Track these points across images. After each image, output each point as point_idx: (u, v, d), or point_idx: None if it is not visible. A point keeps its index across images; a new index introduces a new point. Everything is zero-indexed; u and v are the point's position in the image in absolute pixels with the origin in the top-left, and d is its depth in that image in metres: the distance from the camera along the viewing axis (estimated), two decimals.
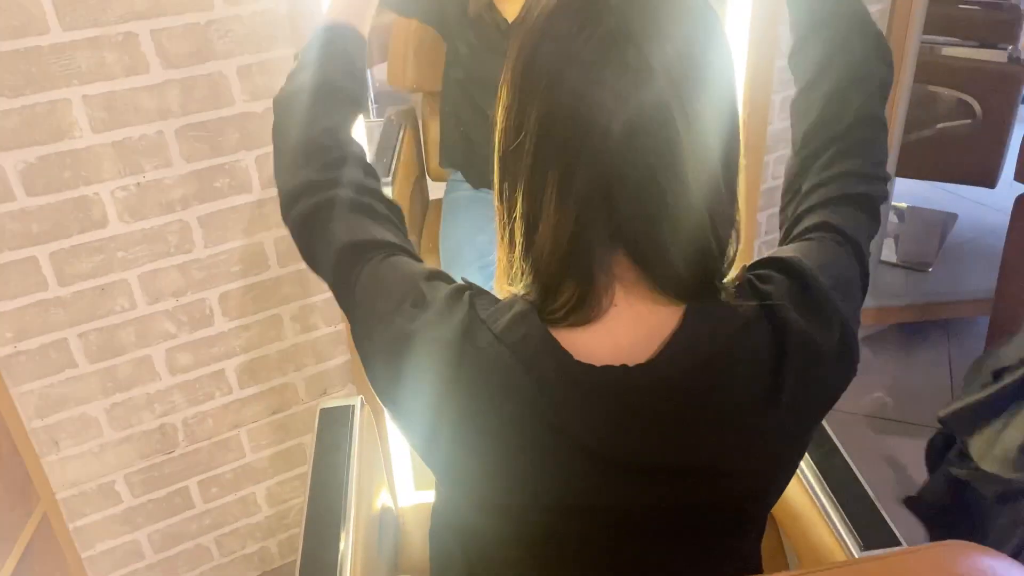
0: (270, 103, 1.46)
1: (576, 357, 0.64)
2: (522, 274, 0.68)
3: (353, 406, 1.26)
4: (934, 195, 3.33)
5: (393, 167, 1.83)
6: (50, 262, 1.42)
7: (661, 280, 0.64)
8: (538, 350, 0.64)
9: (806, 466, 1.09)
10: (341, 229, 0.78)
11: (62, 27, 1.29)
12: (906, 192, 3.18)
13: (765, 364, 0.65)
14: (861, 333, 2.49)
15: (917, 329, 2.62)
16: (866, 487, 1.04)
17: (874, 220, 0.78)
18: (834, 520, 1.01)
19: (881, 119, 0.82)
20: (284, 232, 1.58)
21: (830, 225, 0.75)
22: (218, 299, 1.58)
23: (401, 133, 2.00)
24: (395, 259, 0.76)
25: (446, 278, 0.74)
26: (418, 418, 0.69)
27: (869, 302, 2.46)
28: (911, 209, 3.18)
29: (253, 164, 1.51)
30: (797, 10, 0.90)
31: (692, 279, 0.65)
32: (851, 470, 1.07)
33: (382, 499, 1.36)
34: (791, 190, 0.82)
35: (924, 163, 2.65)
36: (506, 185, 0.67)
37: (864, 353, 2.55)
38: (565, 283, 0.64)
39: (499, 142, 0.67)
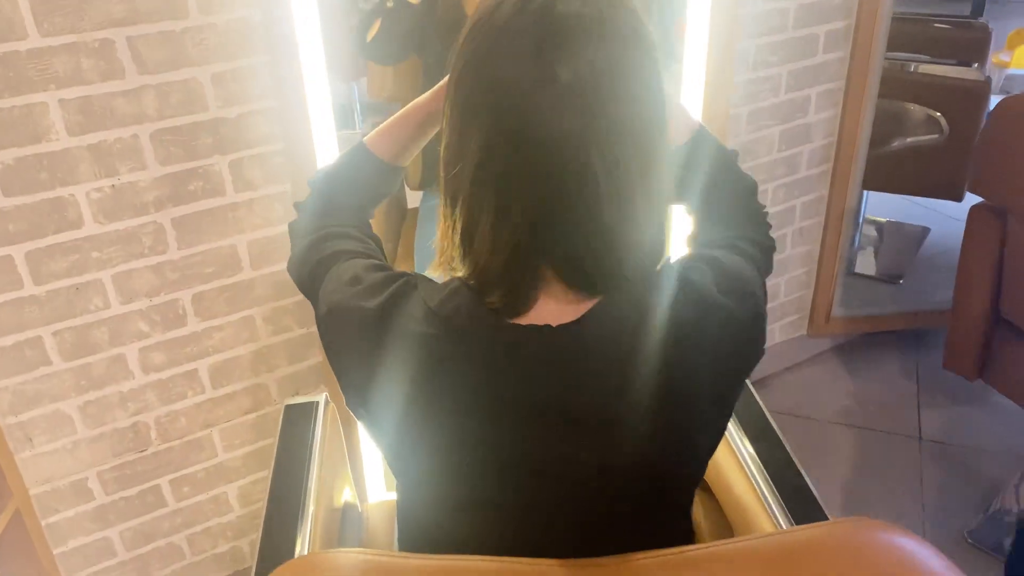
0: (244, 107, 1.52)
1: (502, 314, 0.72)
2: (462, 265, 0.75)
3: (317, 403, 1.29)
4: (910, 209, 3.39)
5: None
6: (26, 261, 1.45)
7: (586, 286, 0.72)
8: (471, 316, 0.72)
9: (749, 456, 1.13)
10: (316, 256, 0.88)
11: (40, 33, 1.33)
12: (881, 206, 3.24)
13: (684, 331, 0.72)
14: (831, 343, 2.55)
15: (887, 339, 2.67)
16: (806, 478, 1.08)
17: (769, 266, 0.92)
18: (769, 502, 1.05)
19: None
20: (258, 235, 1.62)
21: (739, 247, 0.86)
22: (191, 300, 1.62)
23: None
24: (353, 261, 0.84)
25: (389, 270, 0.80)
26: (354, 391, 0.77)
27: (840, 311, 2.51)
28: (886, 223, 3.25)
29: (227, 168, 1.55)
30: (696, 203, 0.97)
31: (610, 280, 0.72)
32: (789, 457, 1.11)
33: (346, 496, 1.39)
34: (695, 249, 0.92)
35: (895, 177, 2.71)
36: (448, 199, 0.74)
37: (833, 362, 2.60)
38: (498, 286, 0.72)
39: (443, 161, 0.74)
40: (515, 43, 0.67)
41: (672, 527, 0.83)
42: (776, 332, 2.50)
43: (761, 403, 1.23)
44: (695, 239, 0.95)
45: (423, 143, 1.01)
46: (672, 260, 0.79)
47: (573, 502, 0.75)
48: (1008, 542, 1.81)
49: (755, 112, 2.06)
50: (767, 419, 1.20)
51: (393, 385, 0.74)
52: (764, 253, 0.91)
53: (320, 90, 1.50)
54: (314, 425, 1.25)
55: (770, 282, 2.37)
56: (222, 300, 1.65)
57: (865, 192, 2.98)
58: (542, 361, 0.71)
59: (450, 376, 0.72)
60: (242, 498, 1.85)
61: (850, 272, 2.88)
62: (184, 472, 1.75)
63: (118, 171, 1.47)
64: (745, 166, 2.09)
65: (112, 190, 1.47)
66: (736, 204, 0.94)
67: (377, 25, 1.79)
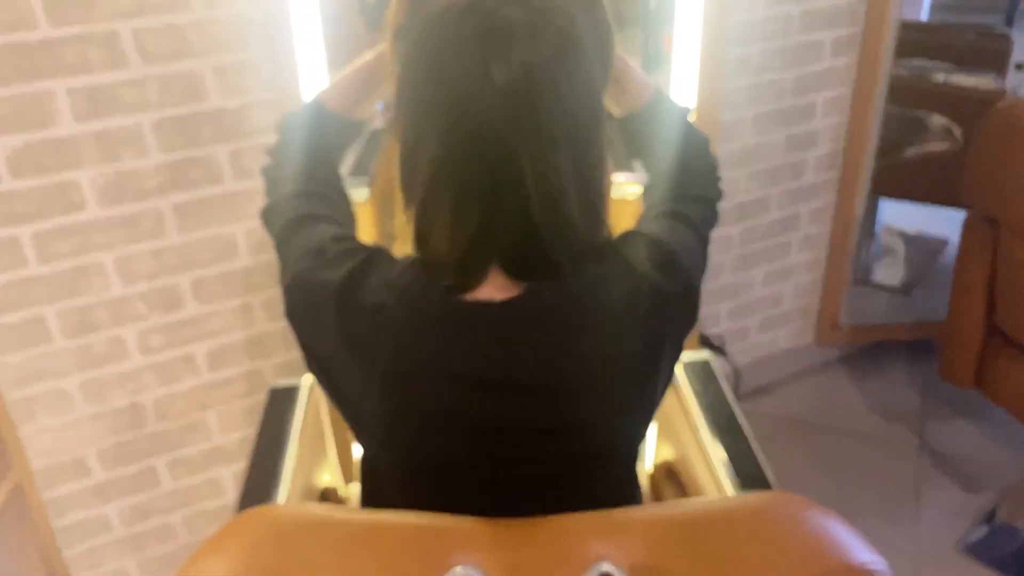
0: (245, 99, 1.56)
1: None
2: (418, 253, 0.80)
3: (299, 386, 1.33)
4: (932, 219, 3.34)
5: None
6: (31, 241, 1.51)
7: (525, 275, 0.77)
8: (424, 290, 0.77)
9: (710, 446, 1.14)
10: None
11: (50, 24, 1.39)
12: (909, 215, 3.20)
13: (618, 305, 0.78)
14: (839, 352, 2.53)
15: (897, 350, 2.64)
16: (765, 471, 1.10)
17: (713, 217, 0.96)
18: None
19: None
20: (255, 224, 1.65)
21: (680, 213, 0.88)
22: (190, 284, 1.67)
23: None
24: (322, 226, 0.89)
25: (352, 240, 0.85)
26: (315, 360, 0.83)
27: (848, 320, 2.50)
28: (908, 233, 3.21)
29: (226, 157, 1.60)
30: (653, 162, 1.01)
31: (545, 267, 0.77)
32: (750, 449, 1.13)
33: (325, 480, 1.42)
34: (647, 202, 0.96)
35: (911, 185, 2.68)
36: (406, 197, 0.79)
37: (840, 370, 2.58)
38: (451, 272, 0.77)
39: (400, 161, 0.79)
40: (461, 47, 0.71)
41: (612, 493, 0.85)
42: (781, 338, 2.49)
43: (728, 394, 1.24)
44: (646, 195, 0.99)
45: (375, 99, 1.06)
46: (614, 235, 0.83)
47: (515, 463, 0.79)
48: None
49: (759, 116, 2.07)
50: (732, 409, 1.21)
51: (351, 355, 0.78)
52: (707, 206, 0.95)
53: (317, 83, 1.54)
54: (295, 408, 1.28)
55: (775, 288, 2.37)
56: (220, 286, 1.70)
57: (881, 200, 2.97)
58: (487, 332, 0.76)
59: (405, 346, 0.77)
60: (237, 481, 1.89)
61: (866, 281, 2.86)
62: (180, 453, 1.80)
63: (121, 157, 1.52)
64: (748, 170, 2.10)
65: (115, 175, 1.53)
66: (686, 161, 0.97)
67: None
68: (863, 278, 2.90)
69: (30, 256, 1.52)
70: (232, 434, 1.84)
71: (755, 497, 0.72)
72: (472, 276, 0.76)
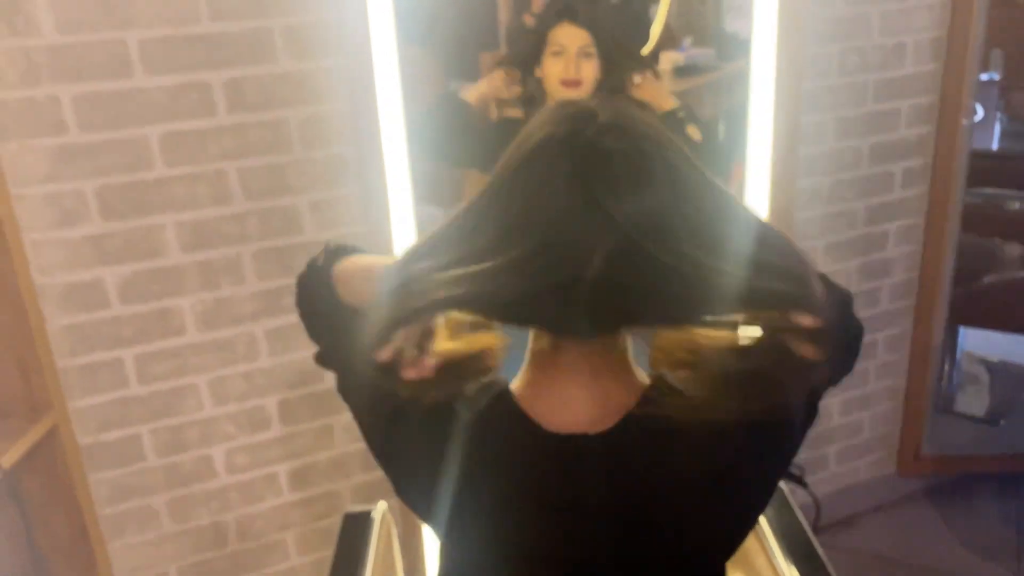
0: (337, 231, 1.66)
1: (540, 423, 0.77)
2: None
3: (372, 511, 1.35)
4: (1017, 346, 3.25)
5: None
6: (134, 363, 1.61)
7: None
8: (512, 423, 0.78)
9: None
10: None
11: (165, 164, 1.53)
12: (985, 342, 3.12)
13: (717, 439, 0.76)
14: (923, 483, 2.44)
15: (985, 483, 2.54)
16: None
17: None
18: None
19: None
20: None
21: None
22: (277, 406, 1.73)
23: None
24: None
25: None
26: (404, 485, 0.86)
27: (931, 450, 2.42)
28: (984, 360, 3.12)
29: None
30: None
31: None
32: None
33: None
34: None
35: (989, 312, 2.64)
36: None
37: (926, 503, 2.48)
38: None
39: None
40: (556, 174, 0.67)
41: None
42: (862, 468, 2.42)
43: (804, 523, 1.22)
44: None
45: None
46: None
47: None
48: None
49: (831, 245, 2.09)
50: (808, 538, 1.19)
51: (438, 483, 0.80)
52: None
53: (405, 217, 1.64)
54: (370, 534, 1.31)
55: (853, 416, 2.33)
56: (305, 407, 1.76)
57: (961, 328, 2.91)
58: (579, 467, 0.77)
59: (493, 477, 0.79)
60: None
61: (948, 410, 2.78)
62: (259, 574, 1.83)
63: (220, 285, 1.62)
64: (807, 244, 2.11)
65: (214, 302, 1.63)
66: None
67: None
68: (947, 407, 2.82)
69: (131, 377, 1.61)
70: (309, 555, 1.86)
71: None
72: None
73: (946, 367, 2.89)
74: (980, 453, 2.50)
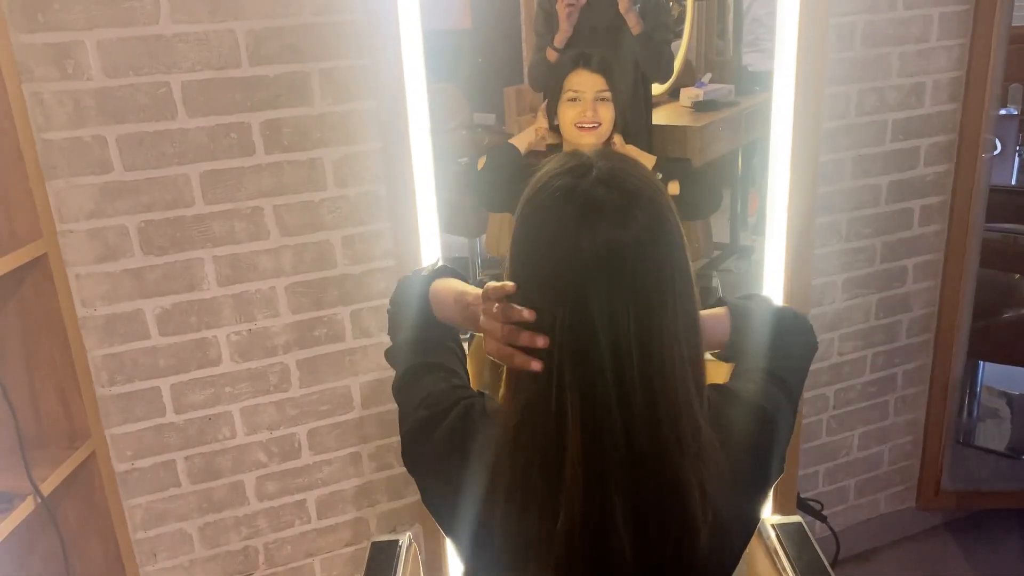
0: (368, 266, 1.71)
1: None
2: None
3: (399, 540, 1.39)
4: None
5: None
6: (170, 392, 1.66)
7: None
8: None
9: None
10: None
11: (204, 201, 1.58)
12: (1005, 377, 3.12)
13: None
14: (943, 518, 2.45)
15: (1008, 518, 2.53)
16: None
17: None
18: None
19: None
20: (369, 377, 1.79)
21: (778, 379, 0.97)
22: (307, 434, 1.78)
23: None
24: (429, 375, 0.97)
25: (465, 389, 0.95)
26: (437, 508, 0.92)
27: (952, 485, 2.42)
28: (1004, 394, 3.12)
29: (348, 318, 1.74)
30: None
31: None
32: None
33: None
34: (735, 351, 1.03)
35: (1009, 347, 2.65)
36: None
37: (946, 538, 2.49)
38: None
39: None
40: (560, 223, 0.79)
41: None
42: (882, 502, 2.43)
43: (823, 559, 1.25)
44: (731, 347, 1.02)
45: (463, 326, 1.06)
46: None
47: None
48: None
49: (849, 280, 2.12)
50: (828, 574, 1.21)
51: (461, 492, 0.87)
52: (802, 374, 1.03)
53: (433, 251, 1.69)
54: (396, 563, 1.34)
55: (872, 450, 2.35)
56: (333, 436, 1.80)
57: (982, 363, 2.92)
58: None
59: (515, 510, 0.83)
60: None
61: (968, 444, 2.78)
62: None
63: (255, 317, 1.68)
64: (840, 332, 2.14)
65: (248, 333, 1.68)
66: (781, 336, 1.02)
67: (484, 160, 1.96)
68: (967, 441, 2.82)
69: (168, 405, 1.66)
70: None
71: None
72: None
73: (966, 401, 2.90)
74: (1001, 487, 2.50)
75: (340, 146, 1.63)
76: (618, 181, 0.79)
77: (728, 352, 1.01)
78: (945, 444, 2.37)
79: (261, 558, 1.82)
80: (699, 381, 0.83)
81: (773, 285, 1.81)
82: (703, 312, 0.91)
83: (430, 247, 1.69)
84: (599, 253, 0.76)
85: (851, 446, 2.31)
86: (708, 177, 1.96)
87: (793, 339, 1.05)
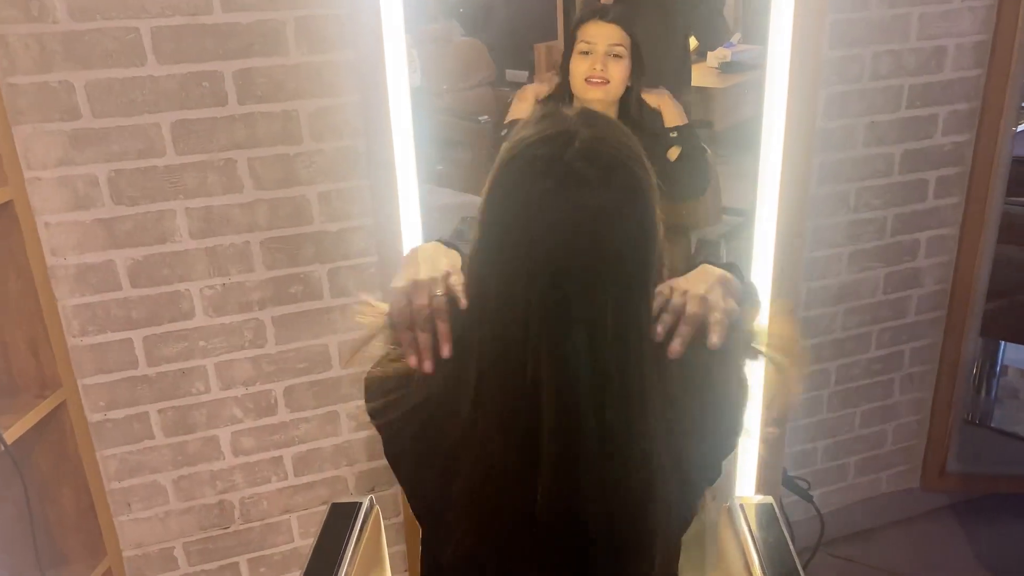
0: (345, 223, 1.66)
1: None
2: None
3: (360, 504, 1.36)
4: None
5: None
6: (143, 345, 1.64)
7: None
8: None
9: None
10: None
11: (176, 152, 1.55)
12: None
13: None
14: (948, 500, 2.37)
15: (1017, 503, 2.45)
16: None
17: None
18: None
19: None
20: (347, 336, 1.75)
21: None
22: (283, 391, 1.76)
23: None
24: None
25: None
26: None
27: (958, 467, 2.34)
28: None
29: (325, 276, 1.70)
30: None
31: None
32: None
33: None
34: None
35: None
36: None
37: (950, 520, 2.42)
38: None
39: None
40: (534, 185, 0.78)
41: None
42: (883, 481, 2.36)
43: (790, 543, 1.20)
44: None
45: None
46: None
47: None
48: None
49: (856, 253, 2.03)
50: (793, 559, 1.16)
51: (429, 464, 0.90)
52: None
53: (412, 211, 1.64)
54: (354, 526, 1.31)
55: (876, 428, 2.27)
56: (311, 394, 1.78)
57: (1003, 343, 2.81)
58: None
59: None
60: None
61: (985, 425, 2.70)
62: (262, 553, 1.87)
63: (229, 272, 1.65)
64: (845, 306, 2.06)
65: (222, 288, 1.65)
66: None
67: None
68: (983, 421, 2.73)
69: (140, 358, 1.65)
70: (312, 538, 1.88)
71: None
72: None
73: (984, 381, 2.80)
74: (1012, 472, 2.42)
75: (316, 98, 1.58)
76: (599, 154, 0.79)
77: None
78: (952, 425, 2.28)
79: (237, 513, 1.81)
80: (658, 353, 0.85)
81: (763, 261, 1.73)
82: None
83: (410, 206, 1.64)
84: (574, 220, 0.77)
85: (853, 423, 2.24)
86: (700, 158, 1.86)
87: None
